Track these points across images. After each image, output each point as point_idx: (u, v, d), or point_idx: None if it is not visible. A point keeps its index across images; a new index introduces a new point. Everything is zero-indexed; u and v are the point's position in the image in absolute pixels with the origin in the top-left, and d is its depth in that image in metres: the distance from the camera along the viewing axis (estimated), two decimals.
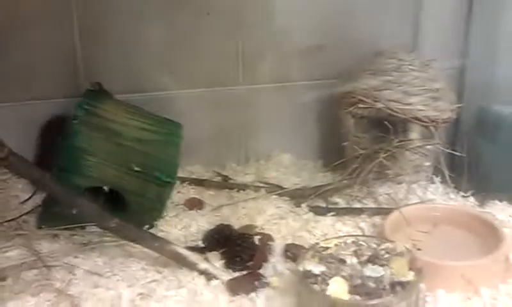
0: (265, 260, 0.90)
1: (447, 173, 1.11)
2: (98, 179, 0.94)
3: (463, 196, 1.10)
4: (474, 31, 1.27)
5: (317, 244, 0.83)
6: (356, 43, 1.25)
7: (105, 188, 0.95)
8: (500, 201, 1.05)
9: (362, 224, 1.01)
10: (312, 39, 1.25)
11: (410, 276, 0.74)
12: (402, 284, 0.73)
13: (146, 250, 0.89)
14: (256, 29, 1.21)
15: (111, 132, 0.97)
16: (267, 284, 0.84)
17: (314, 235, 0.98)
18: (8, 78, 1.13)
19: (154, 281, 0.84)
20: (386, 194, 1.08)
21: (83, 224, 0.96)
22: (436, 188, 1.11)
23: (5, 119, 1.11)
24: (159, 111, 1.09)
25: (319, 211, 1.05)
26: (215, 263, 0.89)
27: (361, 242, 0.83)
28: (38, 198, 1.07)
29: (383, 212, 1.00)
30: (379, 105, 1.07)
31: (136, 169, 0.95)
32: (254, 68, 1.23)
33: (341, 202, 1.09)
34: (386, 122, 1.05)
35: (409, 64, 1.11)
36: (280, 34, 1.23)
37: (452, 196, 1.10)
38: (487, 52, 1.24)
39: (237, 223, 1.01)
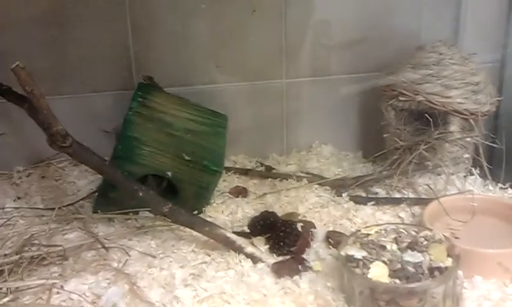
0: (308, 246, 0.95)
1: (485, 164, 1.13)
2: (151, 167, 1.00)
3: (501, 188, 1.12)
4: None
5: (359, 230, 0.87)
6: (398, 37, 1.28)
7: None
8: None
9: (402, 214, 1.04)
10: (353, 34, 1.29)
11: (448, 262, 0.78)
12: (440, 270, 0.76)
13: (195, 234, 0.95)
14: (299, 24, 1.25)
15: (162, 122, 1.03)
16: (310, 268, 0.88)
17: (355, 223, 1.02)
18: (69, 73, 1.21)
19: (204, 262, 0.90)
20: (426, 184, 1.11)
21: (136, 210, 1.02)
22: (474, 180, 1.13)
23: (66, 110, 1.18)
24: (206, 104, 1.14)
25: (359, 200, 1.09)
26: (260, 247, 0.94)
27: (401, 230, 0.86)
28: (94, 185, 1.15)
29: (422, 202, 1.04)
30: (419, 98, 1.10)
31: (187, 158, 1.00)
32: (297, 62, 1.28)
33: (381, 192, 1.13)
34: (426, 114, 1.08)
35: (450, 58, 1.13)
36: (321, 28, 1.27)
37: (491, 187, 1.12)
38: None
39: (280, 211, 1.06)
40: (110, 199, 1.01)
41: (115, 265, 0.89)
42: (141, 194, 0.89)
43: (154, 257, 0.91)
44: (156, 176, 1.01)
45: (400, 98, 1.13)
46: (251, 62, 1.26)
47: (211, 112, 1.10)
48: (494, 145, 1.12)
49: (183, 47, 1.22)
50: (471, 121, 1.11)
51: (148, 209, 0.97)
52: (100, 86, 1.22)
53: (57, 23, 1.18)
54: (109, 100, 1.22)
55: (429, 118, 1.06)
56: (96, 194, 1.06)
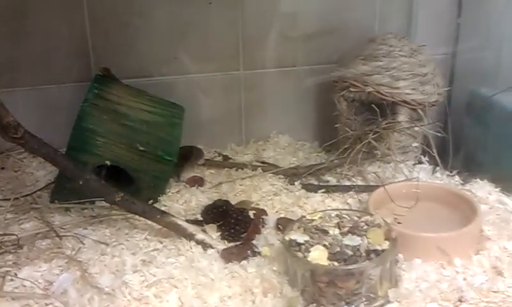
0: (258, 232, 0.98)
1: (434, 152, 1.17)
2: (105, 157, 1.02)
3: (449, 175, 1.16)
4: (465, 18, 1.32)
5: (304, 216, 0.91)
6: (353, 29, 1.32)
7: (108, 162, 1.02)
8: (482, 179, 1.11)
9: (350, 200, 1.08)
10: (310, 26, 1.32)
11: (385, 245, 0.82)
12: (377, 252, 0.80)
13: (149, 223, 0.97)
14: (256, 16, 1.28)
15: (118, 113, 1.05)
16: (259, 253, 0.92)
17: (305, 210, 1.05)
18: (26, 65, 1.22)
19: (156, 249, 0.93)
20: (374, 172, 1.15)
21: (93, 199, 1.04)
22: (423, 168, 1.17)
23: (25, 102, 1.21)
24: (164, 95, 1.16)
25: (310, 188, 1.12)
26: (212, 234, 0.97)
27: (344, 215, 0.90)
28: (52, 175, 1.17)
29: (370, 189, 1.07)
30: (368, 89, 1.13)
31: (141, 148, 1.03)
32: (254, 53, 1.30)
33: (332, 180, 1.16)
34: (373, 105, 1.12)
35: (399, 50, 1.16)
36: (278, 20, 1.30)
37: (439, 174, 1.16)
38: (477, 37, 1.30)
39: (234, 199, 1.09)
40: (67, 189, 1.03)
41: (68, 252, 0.92)
42: (91, 184, 0.91)
43: (107, 245, 0.94)
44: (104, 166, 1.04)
45: (351, 89, 1.17)
46: (209, 54, 1.28)
47: (168, 103, 1.12)
48: (438, 134, 1.16)
49: (141, 39, 1.24)
50: (419, 111, 1.15)
51: (103, 198, 0.99)
52: (59, 78, 1.23)
53: (14, 15, 1.19)
54: (68, 92, 1.23)
55: (376, 108, 1.10)
56: (54, 184, 1.08)
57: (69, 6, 1.19)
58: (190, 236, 0.93)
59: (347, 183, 1.14)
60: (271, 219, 1.02)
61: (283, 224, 0.98)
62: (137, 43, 1.24)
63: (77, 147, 1.01)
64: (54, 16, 1.19)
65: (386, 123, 1.13)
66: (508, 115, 1.14)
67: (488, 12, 1.26)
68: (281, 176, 1.18)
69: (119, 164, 1.03)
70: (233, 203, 1.07)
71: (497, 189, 1.08)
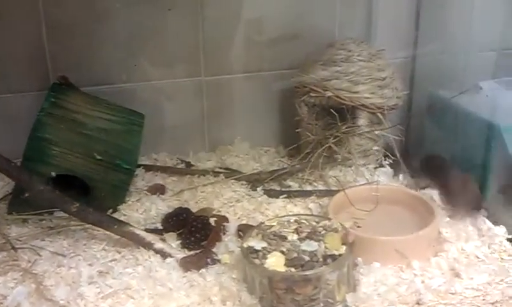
0: (219, 240, 0.97)
1: (396, 155, 1.18)
2: (62, 167, 1.00)
3: (410, 178, 1.17)
4: (424, 22, 1.34)
5: (263, 223, 0.91)
6: (316, 34, 1.32)
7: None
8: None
9: (311, 205, 1.08)
10: (272, 31, 1.31)
11: (342, 250, 0.82)
12: (334, 257, 0.80)
13: (108, 233, 0.96)
14: (216, 22, 1.27)
15: (75, 122, 1.03)
16: (219, 261, 0.91)
17: (267, 216, 1.05)
18: None
19: (113, 260, 0.92)
20: (335, 177, 1.15)
21: (51, 210, 1.03)
22: (384, 171, 1.18)
23: None
24: (125, 102, 1.15)
25: (272, 194, 1.12)
26: (171, 243, 0.96)
27: (302, 221, 0.90)
28: (10, 186, 1.14)
29: (331, 193, 1.08)
30: (328, 94, 1.14)
31: (98, 157, 1.01)
32: (215, 59, 1.29)
33: (294, 185, 1.16)
34: (331, 110, 1.12)
35: (358, 55, 1.17)
36: (239, 26, 1.29)
37: (400, 178, 1.17)
38: (435, 41, 1.31)
39: (195, 206, 1.08)
40: (24, 200, 1.00)
41: (24, 265, 0.90)
42: (45, 195, 0.89)
43: (64, 256, 0.92)
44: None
45: (311, 95, 1.17)
46: (170, 60, 1.27)
47: (126, 110, 1.11)
48: (397, 137, 1.17)
49: (100, 46, 1.22)
50: (378, 114, 1.16)
51: (58, 208, 0.98)
52: (16, 87, 1.20)
53: None
54: (26, 101, 1.20)
55: (334, 113, 1.11)
56: (11, 195, 1.06)
57: (25, 12, 1.17)
58: (148, 246, 0.92)
59: (309, 188, 1.14)
60: (232, 226, 1.01)
61: (244, 231, 0.98)
62: (96, 51, 1.23)
63: (32, 157, 0.99)
64: (10, 24, 1.17)
65: (346, 128, 1.13)
66: (466, 116, 1.15)
67: (446, 16, 1.28)
68: (244, 183, 1.17)
69: (76, 173, 1.01)
70: (194, 210, 1.06)
71: None
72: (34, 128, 1.00)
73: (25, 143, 1.00)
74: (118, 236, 0.95)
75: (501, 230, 0.98)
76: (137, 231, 0.93)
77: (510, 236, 0.96)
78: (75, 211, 0.91)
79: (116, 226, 0.92)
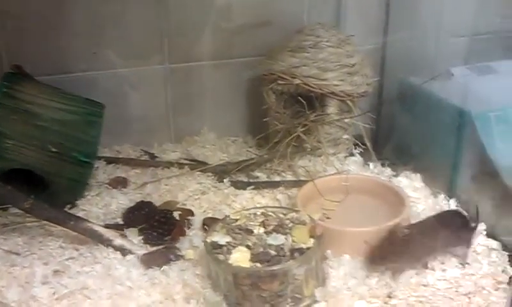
0: (183, 234, 0.93)
1: (366, 144, 1.15)
2: (16, 161, 0.95)
3: (381, 166, 1.14)
4: (394, 7, 1.31)
5: (228, 216, 0.87)
6: (285, 20, 1.28)
7: None
8: (412, 169, 1.10)
9: (279, 196, 1.05)
10: (240, 17, 1.27)
11: (310, 243, 0.78)
12: (301, 251, 0.77)
13: (66, 229, 0.91)
14: (179, 8, 1.22)
15: (29, 114, 0.98)
16: (182, 257, 0.87)
17: (233, 208, 1.01)
18: None
19: (71, 258, 0.87)
20: (305, 167, 1.12)
21: (5, 206, 0.97)
22: (354, 160, 1.15)
23: None
24: (85, 92, 1.09)
25: (239, 185, 1.08)
26: (133, 239, 0.92)
27: (269, 213, 0.86)
28: None
29: (300, 184, 1.04)
30: (296, 81, 1.10)
31: (53, 150, 0.96)
32: (179, 46, 1.24)
33: (262, 176, 1.12)
34: (299, 97, 1.08)
35: (326, 41, 1.13)
36: (204, 12, 1.24)
37: (371, 166, 1.14)
38: (405, 27, 1.28)
39: (158, 200, 1.04)
40: None
41: None
42: None
43: (18, 254, 0.87)
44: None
45: (279, 82, 1.12)
46: (131, 47, 1.21)
47: (84, 100, 1.05)
48: (367, 125, 1.14)
49: (58, 34, 1.16)
50: (348, 102, 1.13)
51: (11, 204, 0.93)
52: None
53: None
54: None
55: (302, 101, 1.07)
56: None
57: None
58: (107, 242, 0.88)
59: (277, 178, 1.10)
60: (197, 220, 0.98)
61: (209, 225, 0.94)
62: (53, 38, 1.16)
63: None
64: None
65: (315, 116, 1.10)
66: (438, 103, 1.13)
67: (416, 1, 1.25)
68: (210, 174, 1.13)
69: (31, 167, 0.95)
70: (157, 204, 1.02)
71: (424, 181, 1.08)
72: None
73: None
74: (75, 233, 0.90)
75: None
76: (96, 227, 0.88)
77: (483, 227, 0.94)
78: (28, 207, 0.86)
79: (72, 222, 0.87)
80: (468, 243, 0.87)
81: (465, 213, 0.92)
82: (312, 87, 1.09)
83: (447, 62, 1.18)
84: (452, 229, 0.86)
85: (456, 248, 0.87)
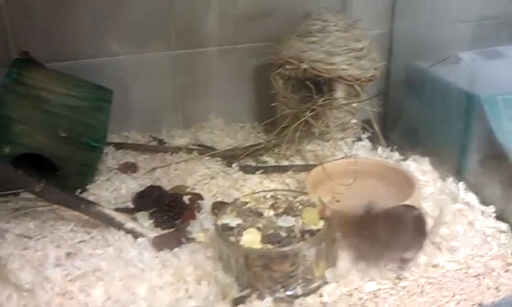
0: (193, 218, 0.94)
1: (374, 128, 1.16)
2: (26, 146, 0.95)
3: (389, 151, 1.14)
4: None
5: (237, 199, 0.87)
6: (290, 5, 1.28)
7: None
8: (421, 154, 1.10)
9: (288, 180, 1.05)
10: (248, 4, 1.27)
11: (320, 225, 0.79)
12: (311, 232, 0.77)
13: (77, 213, 0.91)
14: None
15: (38, 99, 0.98)
16: (193, 239, 0.88)
17: (242, 193, 1.01)
18: None
19: (82, 241, 0.87)
20: (313, 151, 1.12)
21: (17, 191, 0.98)
22: (362, 145, 1.15)
23: None
24: (92, 78, 1.09)
25: (248, 170, 1.09)
26: (143, 222, 0.92)
27: (279, 196, 0.87)
28: None
29: (308, 168, 1.04)
30: (304, 65, 1.10)
31: (63, 134, 0.96)
32: (186, 32, 1.25)
33: (270, 160, 1.13)
34: (307, 82, 1.08)
35: (334, 25, 1.13)
36: None
37: (379, 150, 1.14)
38: (413, 11, 1.28)
39: (168, 184, 1.04)
40: None
41: None
42: (5, 175, 0.84)
43: (30, 238, 0.88)
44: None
45: (287, 67, 1.13)
46: (139, 33, 1.22)
47: (93, 86, 1.06)
48: (375, 110, 1.14)
49: (65, 19, 1.16)
50: (356, 86, 1.13)
51: (22, 189, 0.93)
52: None
53: None
54: None
55: (310, 85, 1.07)
56: None
57: None
58: (119, 226, 0.88)
59: (286, 163, 1.11)
60: (206, 204, 0.98)
61: (218, 208, 0.94)
62: (61, 25, 1.17)
63: None
64: None
65: (323, 100, 1.10)
66: (446, 87, 1.13)
67: None
68: (219, 159, 1.13)
69: (40, 152, 0.96)
70: (167, 188, 1.02)
71: (432, 164, 1.08)
72: None
73: None
74: (87, 217, 0.91)
75: (481, 202, 0.96)
76: (107, 211, 0.89)
77: (492, 209, 0.94)
78: (39, 191, 0.86)
79: (84, 206, 0.88)
80: (417, 248, 0.81)
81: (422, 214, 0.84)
82: (319, 71, 1.09)
83: (454, 47, 1.18)
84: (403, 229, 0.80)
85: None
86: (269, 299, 0.74)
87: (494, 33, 1.21)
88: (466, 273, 0.82)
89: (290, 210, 0.82)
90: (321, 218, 0.80)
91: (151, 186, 1.02)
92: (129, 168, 1.11)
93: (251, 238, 0.76)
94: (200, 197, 1.00)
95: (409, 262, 0.81)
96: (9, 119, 0.95)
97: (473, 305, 0.82)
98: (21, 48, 1.08)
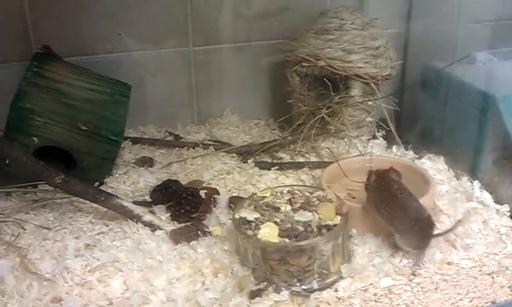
0: (209, 212, 0.95)
1: (390, 126, 1.16)
2: (46, 138, 0.97)
3: (404, 149, 1.15)
4: None
5: (255, 194, 0.88)
6: (307, 3, 1.28)
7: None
8: (436, 153, 1.10)
9: (303, 177, 1.06)
10: (262, 1, 1.28)
11: (336, 220, 0.79)
12: (328, 227, 0.78)
13: (95, 206, 0.93)
14: None
15: (59, 92, 1.00)
16: (209, 233, 0.89)
17: (258, 188, 1.02)
18: None
19: (101, 233, 0.89)
20: (328, 148, 1.13)
21: (36, 183, 0.99)
22: (377, 143, 1.16)
23: None
24: (110, 73, 1.10)
25: (263, 166, 1.10)
26: (161, 215, 0.93)
27: (296, 191, 0.88)
28: None
29: (324, 165, 1.05)
30: (321, 63, 1.11)
31: (83, 128, 0.98)
32: (204, 29, 1.25)
33: (286, 157, 1.14)
34: (325, 79, 1.09)
35: (351, 23, 1.14)
36: None
37: (394, 149, 1.14)
38: (430, 11, 1.28)
39: (185, 179, 1.06)
40: (7, 173, 0.97)
41: (7, 238, 0.87)
42: (28, 166, 0.86)
43: (49, 229, 0.89)
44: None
45: (303, 64, 1.13)
46: (156, 30, 1.23)
47: (112, 80, 1.07)
48: (391, 108, 1.14)
49: (84, 15, 1.17)
50: (372, 84, 1.13)
51: (43, 180, 0.95)
52: None
53: None
54: (8, 72, 1.15)
55: (327, 82, 1.08)
56: None
57: None
58: (137, 218, 0.89)
59: (301, 159, 1.12)
60: (223, 198, 0.99)
61: (235, 203, 0.95)
62: (80, 20, 1.18)
63: (15, 127, 0.96)
64: None
65: (339, 98, 1.11)
66: (461, 87, 1.13)
67: None
68: (234, 155, 1.14)
69: (61, 144, 0.97)
70: (183, 183, 1.04)
71: (447, 163, 1.08)
72: (16, 98, 0.96)
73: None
74: (105, 209, 0.92)
75: (495, 201, 0.96)
76: (125, 203, 0.90)
77: (506, 208, 0.94)
78: (60, 183, 0.88)
79: (102, 198, 0.89)
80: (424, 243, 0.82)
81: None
82: (336, 69, 1.10)
83: (470, 47, 1.18)
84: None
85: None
86: (285, 293, 0.75)
87: (510, 34, 1.21)
88: (480, 271, 0.83)
89: (307, 205, 0.83)
90: (337, 213, 0.81)
91: (168, 180, 1.03)
92: (146, 162, 1.12)
93: (268, 232, 0.77)
94: (216, 191, 1.01)
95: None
96: (30, 112, 0.96)
97: (487, 303, 0.83)
98: (42, 42, 1.10)
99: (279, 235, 0.77)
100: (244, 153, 1.14)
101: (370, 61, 1.12)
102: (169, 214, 0.94)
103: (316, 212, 0.81)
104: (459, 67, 1.14)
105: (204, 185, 1.04)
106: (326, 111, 1.09)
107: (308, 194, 0.87)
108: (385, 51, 1.15)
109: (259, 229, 0.78)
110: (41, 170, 0.87)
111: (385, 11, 1.31)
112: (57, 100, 0.99)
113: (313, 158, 1.11)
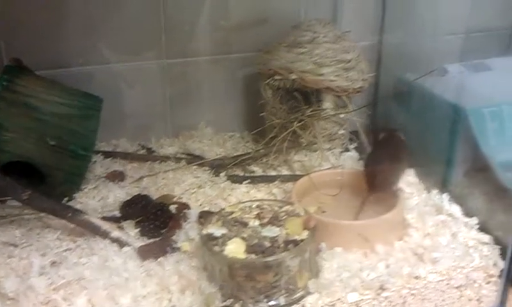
0: (179, 227, 0.94)
1: (364, 140, 1.16)
2: (14, 154, 0.96)
3: None
4: (391, 4, 1.32)
5: (223, 209, 0.88)
6: (281, 16, 1.29)
7: None
8: (410, 166, 1.11)
9: (275, 190, 1.06)
10: (237, 14, 1.28)
11: (304, 235, 0.79)
12: (295, 242, 0.78)
13: (64, 221, 0.92)
14: (178, 3, 1.23)
15: (28, 107, 0.99)
16: (178, 249, 0.88)
17: (229, 202, 1.02)
18: None
19: (68, 249, 0.88)
20: (300, 161, 1.13)
21: (3, 199, 0.98)
22: (350, 155, 1.16)
23: None
24: (83, 86, 1.10)
25: (235, 179, 1.09)
26: (129, 231, 0.93)
27: (264, 206, 0.87)
28: None
29: (296, 178, 1.05)
30: (293, 76, 1.11)
31: (51, 142, 0.97)
32: (177, 42, 1.25)
33: (258, 170, 1.13)
34: (296, 93, 1.09)
35: (323, 36, 1.14)
36: (203, 8, 1.25)
37: None
38: (403, 24, 1.29)
39: (155, 193, 1.05)
40: None
41: None
42: None
43: (16, 246, 0.88)
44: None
45: (276, 77, 1.13)
46: (129, 42, 1.22)
47: (82, 94, 1.06)
48: (361, 121, 1.15)
49: (56, 28, 1.17)
50: (344, 97, 1.14)
51: (9, 196, 0.94)
52: None
53: None
54: None
55: (298, 96, 1.08)
56: None
57: None
58: (105, 234, 0.89)
59: (273, 173, 1.11)
60: (193, 213, 0.98)
61: (205, 218, 0.95)
62: (51, 33, 1.17)
63: None
64: None
65: (311, 111, 1.11)
66: (432, 99, 1.14)
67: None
68: (207, 168, 1.14)
69: (29, 160, 0.96)
70: (154, 197, 1.03)
71: (418, 176, 1.09)
72: None
73: None
74: (73, 225, 0.91)
75: (465, 214, 0.97)
76: (93, 220, 0.89)
77: (475, 221, 0.95)
78: (26, 199, 0.87)
79: (70, 214, 0.88)
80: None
81: None
82: (308, 82, 1.10)
83: (442, 59, 1.19)
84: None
85: None
86: None
87: (481, 46, 1.23)
88: (448, 284, 0.83)
89: (275, 220, 0.83)
90: (305, 228, 0.80)
91: (138, 195, 1.02)
92: (117, 176, 1.11)
93: (235, 248, 0.77)
94: (186, 206, 1.00)
95: None
96: None
97: None
98: (13, 55, 1.09)
99: (246, 251, 0.77)
100: (217, 167, 1.14)
101: (341, 74, 1.12)
102: (138, 230, 0.93)
103: (283, 227, 0.81)
104: (430, 79, 1.15)
105: (175, 199, 1.03)
106: (298, 124, 1.09)
107: (276, 208, 0.86)
108: (357, 64, 1.15)
109: (226, 245, 0.78)
110: (8, 186, 0.86)
111: (358, 23, 1.32)
112: (26, 115, 0.98)
113: (286, 172, 1.11)
